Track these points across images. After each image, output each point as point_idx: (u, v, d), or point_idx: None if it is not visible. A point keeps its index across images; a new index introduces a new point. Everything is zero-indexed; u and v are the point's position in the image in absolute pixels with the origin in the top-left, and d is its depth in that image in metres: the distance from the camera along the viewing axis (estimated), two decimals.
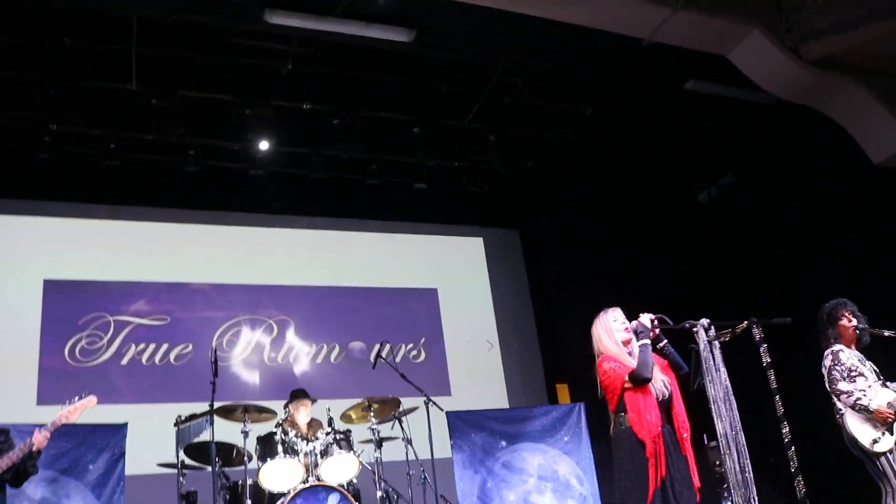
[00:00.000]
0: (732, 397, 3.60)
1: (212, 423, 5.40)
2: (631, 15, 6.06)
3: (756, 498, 3.42)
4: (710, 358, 3.61)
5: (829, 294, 4.94)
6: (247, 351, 8.12)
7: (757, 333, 3.66)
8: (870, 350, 4.81)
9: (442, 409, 6.06)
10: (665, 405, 3.92)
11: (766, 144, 7.85)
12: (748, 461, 3.50)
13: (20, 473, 4.33)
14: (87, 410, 4.58)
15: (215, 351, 5.80)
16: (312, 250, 8.71)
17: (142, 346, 7.75)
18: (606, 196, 9.08)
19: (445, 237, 9.35)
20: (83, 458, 5.41)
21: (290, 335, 8.30)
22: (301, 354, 8.28)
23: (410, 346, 8.68)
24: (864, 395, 4.49)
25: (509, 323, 9.15)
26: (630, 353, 3.98)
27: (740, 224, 8.72)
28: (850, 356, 4.68)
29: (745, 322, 3.67)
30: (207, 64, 6.89)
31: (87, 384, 7.06)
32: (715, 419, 3.55)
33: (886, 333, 4.70)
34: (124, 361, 7.63)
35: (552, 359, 9.00)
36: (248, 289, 8.33)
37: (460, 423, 6.42)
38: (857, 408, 4.49)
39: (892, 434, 4.43)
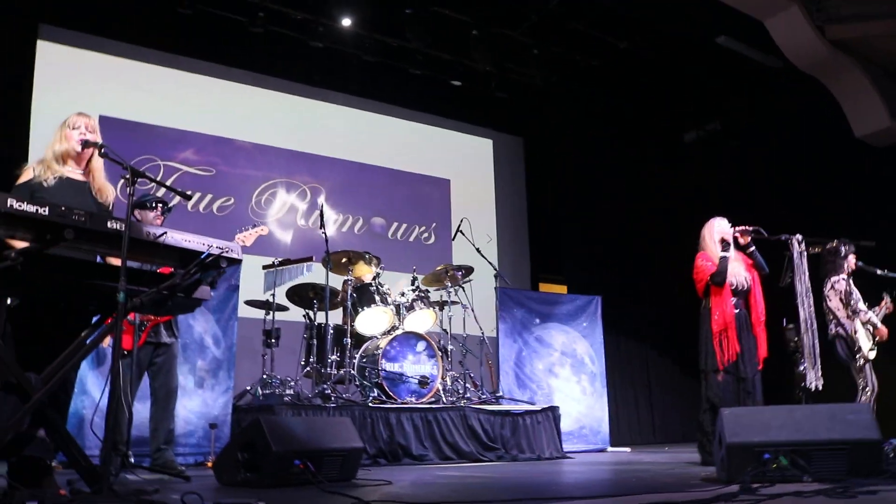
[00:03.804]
0: (811, 294, 4.87)
1: (328, 270, 6.20)
2: None
3: (819, 365, 4.75)
4: (801, 263, 4.85)
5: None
6: (282, 211, 8.75)
7: (844, 251, 4.93)
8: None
9: (508, 283, 7.11)
10: (744, 294, 5.20)
11: (762, 104, 9.14)
12: (817, 339, 4.81)
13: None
14: None
15: (322, 206, 6.50)
16: (347, 126, 9.29)
17: (189, 193, 8.18)
18: (609, 124, 10.18)
19: (462, 134, 10.18)
20: None
21: (321, 202, 8.96)
22: (329, 222, 8.97)
23: (423, 228, 9.60)
24: (872, 315, 5.93)
25: (507, 220, 10.23)
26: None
27: (718, 165, 10.12)
28: (852, 285, 6.06)
29: (835, 240, 4.93)
30: None
31: None
32: (799, 307, 4.81)
33: (879, 272, 6.14)
34: (171, 205, 8.04)
35: (540, 257, 10.21)
36: (286, 153, 8.88)
37: (507, 298, 7.49)
38: (868, 324, 5.89)
39: (874, 347, 5.92)
